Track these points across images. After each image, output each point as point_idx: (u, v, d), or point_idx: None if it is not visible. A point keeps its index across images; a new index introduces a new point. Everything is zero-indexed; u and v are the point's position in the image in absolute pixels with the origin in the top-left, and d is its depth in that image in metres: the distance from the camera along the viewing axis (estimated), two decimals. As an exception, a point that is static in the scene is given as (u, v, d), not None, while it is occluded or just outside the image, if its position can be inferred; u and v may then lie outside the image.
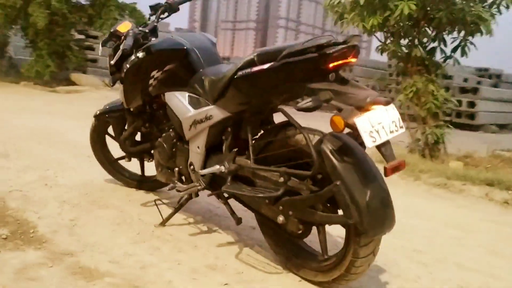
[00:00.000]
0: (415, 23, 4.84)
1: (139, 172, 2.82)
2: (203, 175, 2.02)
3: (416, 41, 4.91)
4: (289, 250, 1.90)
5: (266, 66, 1.61)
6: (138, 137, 2.66)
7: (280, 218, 1.73)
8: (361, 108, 1.46)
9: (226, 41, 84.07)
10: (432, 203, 3.38)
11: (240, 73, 1.71)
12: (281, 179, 1.68)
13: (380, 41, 5.13)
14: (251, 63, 1.68)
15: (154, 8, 2.43)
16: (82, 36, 13.98)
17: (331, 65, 1.48)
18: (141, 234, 2.13)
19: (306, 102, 1.49)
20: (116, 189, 2.82)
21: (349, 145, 1.57)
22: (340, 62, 1.49)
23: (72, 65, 11.87)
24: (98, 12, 11.34)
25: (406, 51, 4.98)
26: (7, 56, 14.11)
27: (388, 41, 5.06)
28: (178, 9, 2.52)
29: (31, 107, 6.36)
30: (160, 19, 2.42)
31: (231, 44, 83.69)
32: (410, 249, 2.30)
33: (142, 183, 2.85)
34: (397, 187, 3.77)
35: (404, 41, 5.01)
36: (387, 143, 1.48)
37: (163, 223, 2.24)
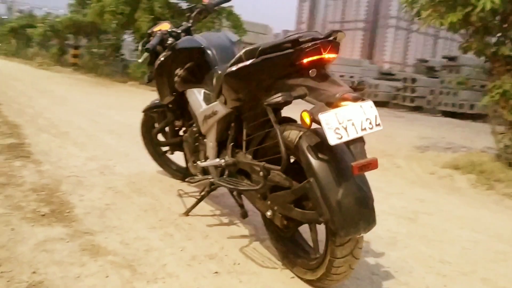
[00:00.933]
0: (503, 18, 4.40)
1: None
2: (203, 168, 2.12)
3: (504, 38, 4.46)
4: (287, 246, 1.89)
5: (248, 62, 1.64)
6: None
7: (268, 213, 1.75)
8: (331, 104, 1.43)
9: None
10: (495, 214, 3.06)
11: (229, 69, 1.76)
12: (261, 174, 1.69)
13: (463, 39, 4.75)
14: (239, 60, 1.71)
15: (190, 10, 2.57)
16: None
17: (305, 60, 1.47)
18: (162, 221, 2.26)
19: (276, 97, 1.49)
20: (163, 180, 3.02)
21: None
22: (314, 57, 1.47)
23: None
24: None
25: (493, 49, 4.54)
26: (120, 58, 15.65)
27: (472, 38, 4.65)
28: (213, 11, 2.63)
29: (131, 105, 6.97)
30: (195, 20, 2.55)
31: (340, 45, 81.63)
32: (437, 259, 2.13)
33: (186, 175, 3.00)
34: (464, 195, 3.49)
35: (490, 38, 4.58)
36: (358, 141, 1.42)
37: (186, 213, 2.36)
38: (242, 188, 1.82)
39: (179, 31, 2.46)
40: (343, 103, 1.42)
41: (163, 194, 2.71)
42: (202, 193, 2.35)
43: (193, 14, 2.57)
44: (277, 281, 1.76)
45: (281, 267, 1.87)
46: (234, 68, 1.73)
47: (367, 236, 1.99)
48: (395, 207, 2.94)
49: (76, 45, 18.35)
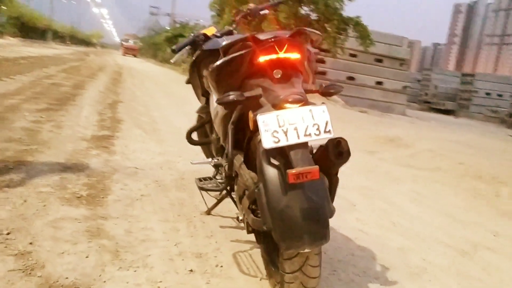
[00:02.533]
0: None
1: None
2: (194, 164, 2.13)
3: None
4: (270, 256, 1.79)
5: (218, 62, 1.61)
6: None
7: (240, 217, 1.69)
8: (276, 106, 1.33)
9: (490, 57, 74.91)
10: None
11: (211, 67, 1.74)
12: (223, 174, 1.64)
13: None
14: (220, 58, 1.69)
15: (237, 13, 2.61)
16: (316, 50, 15.06)
17: (261, 59, 1.41)
18: (180, 216, 2.33)
19: (227, 95, 1.44)
20: (212, 179, 3.10)
21: (299, 148, 1.42)
22: (270, 56, 1.39)
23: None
24: (323, 26, 11.93)
25: None
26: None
27: None
28: (258, 15, 2.62)
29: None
30: (239, 24, 2.57)
31: (495, 60, 74.19)
32: None
33: None
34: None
35: None
36: (300, 146, 1.30)
37: (207, 212, 2.39)
38: (205, 187, 1.79)
39: (218, 35, 2.51)
40: (288, 105, 1.32)
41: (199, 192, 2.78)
42: (221, 195, 2.35)
43: (237, 18, 2.60)
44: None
45: (262, 277, 1.78)
46: (213, 65, 1.71)
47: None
48: None
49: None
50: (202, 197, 2.43)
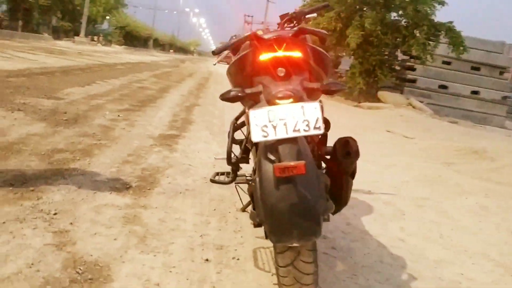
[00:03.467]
0: None
1: None
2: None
3: None
4: None
5: (232, 61, 1.67)
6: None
7: (248, 210, 1.73)
8: (269, 101, 1.37)
9: None
10: None
11: (228, 66, 1.80)
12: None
13: None
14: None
15: (282, 18, 2.65)
16: (406, 57, 14.51)
17: (261, 58, 1.45)
18: (216, 211, 2.43)
19: (228, 91, 1.50)
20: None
21: (292, 144, 1.44)
22: (269, 54, 1.43)
23: (381, 83, 12.45)
24: (411, 32, 11.48)
25: None
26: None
27: None
28: (303, 19, 2.64)
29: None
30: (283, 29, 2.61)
31: None
32: None
33: None
34: None
35: None
36: (288, 142, 1.32)
37: (243, 209, 2.46)
38: (216, 180, 1.85)
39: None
40: (279, 101, 1.34)
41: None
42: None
43: (282, 22, 2.63)
44: (255, 282, 1.72)
45: (274, 273, 1.80)
46: (229, 65, 1.78)
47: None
48: None
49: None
50: (238, 194, 2.49)
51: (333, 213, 2.05)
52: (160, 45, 56.54)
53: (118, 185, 2.61)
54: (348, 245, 2.25)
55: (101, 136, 3.73)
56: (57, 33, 29.68)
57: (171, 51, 54.06)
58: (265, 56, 1.46)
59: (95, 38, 33.56)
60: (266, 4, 42.78)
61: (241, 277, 1.76)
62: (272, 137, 1.32)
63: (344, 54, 13.78)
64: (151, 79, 10.46)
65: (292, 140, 1.33)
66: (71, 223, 2.00)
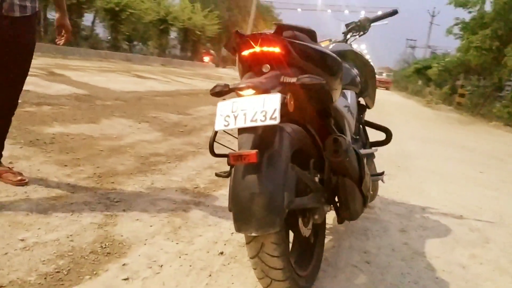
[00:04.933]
0: None
1: None
2: None
3: None
4: None
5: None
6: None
7: None
8: (236, 94, 1.42)
9: None
10: None
11: None
12: None
13: None
14: None
15: (347, 26, 2.61)
16: None
17: (242, 53, 1.51)
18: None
19: (214, 86, 1.57)
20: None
21: (267, 136, 1.46)
22: (249, 51, 1.48)
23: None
24: None
25: None
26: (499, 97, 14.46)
27: None
28: (367, 29, 2.56)
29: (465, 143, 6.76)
30: (347, 37, 2.56)
31: None
32: None
33: None
34: None
35: None
36: (247, 131, 1.35)
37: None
38: (218, 174, 1.88)
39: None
40: (243, 93, 1.38)
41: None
42: None
43: (346, 31, 2.59)
44: (253, 278, 1.73)
45: None
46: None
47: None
48: None
49: (462, 85, 18.25)
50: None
51: (340, 222, 1.94)
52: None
53: (188, 185, 2.84)
54: (388, 262, 2.07)
55: (203, 145, 4.07)
56: (224, 62, 32.74)
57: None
58: (245, 53, 1.50)
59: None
60: (429, 27, 40.54)
61: (244, 272, 1.78)
62: (232, 126, 1.36)
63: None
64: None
65: (251, 130, 1.35)
66: (123, 210, 2.28)
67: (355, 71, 2.27)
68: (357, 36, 2.63)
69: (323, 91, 1.70)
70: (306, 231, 1.66)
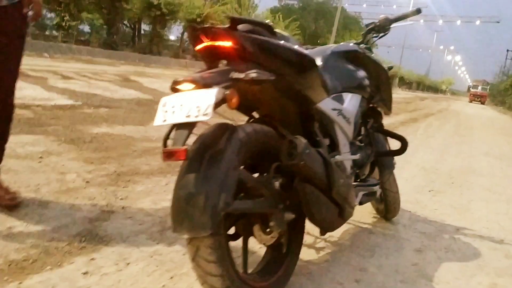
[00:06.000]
0: None
1: None
2: None
3: None
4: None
5: None
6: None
7: None
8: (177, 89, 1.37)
9: None
10: None
11: None
12: None
13: None
14: None
15: (367, 27, 2.44)
16: None
17: (195, 48, 1.45)
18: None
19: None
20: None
21: (216, 135, 1.40)
22: (201, 45, 1.42)
23: None
24: None
25: None
26: None
27: None
28: (388, 29, 2.38)
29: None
30: (366, 39, 2.39)
31: None
32: None
33: None
34: None
35: None
36: (182, 127, 1.28)
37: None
38: None
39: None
40: (181, 87, 1.33)
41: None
42: None
43: (365, 32, 2.42)
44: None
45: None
46: None
47: None
48: None
49: None
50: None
51: (322, 233, 1.77)
52: (407, 83, 55.47)
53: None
54: (383, 283, 1.87)
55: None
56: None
57: (402, 88, 52.20)
58: (199, 47, 1.45)
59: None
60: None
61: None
62: (168, 121, 1.31)
63: None
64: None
65: (186, 126, 1.29)
66: (123, 207, 2.31)
67: (361, 73, 2.10)
68: (377, 38, 2.44)
69: (292, 91, 1.58)
70: (266, 239, 1.55)
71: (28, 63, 8.54)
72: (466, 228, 2.79)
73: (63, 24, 12.49)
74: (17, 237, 1.83)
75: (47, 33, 17.98)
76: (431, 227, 2.73)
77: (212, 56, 1.46)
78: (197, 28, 1.42)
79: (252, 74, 1.35)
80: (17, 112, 4.18)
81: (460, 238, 2.58)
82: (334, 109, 1.83)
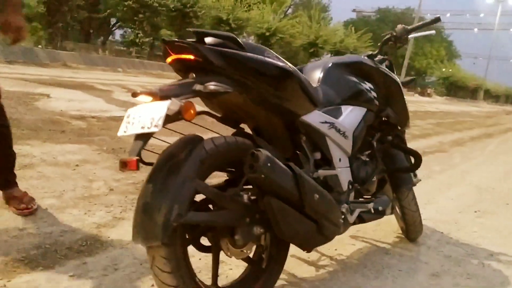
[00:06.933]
0: None
1: None
2: None
3: None
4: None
5: None
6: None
7: None
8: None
9: None
10: None
11: None
12: None
13: None
14: None
15: (383, 37, 2.34)
16: None
17: (166, 60, 1.49)
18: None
19: None
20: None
21: (180, 147, 1.42)
22: (169, 59, 1.45)
23: None
24: None
25: None
26: None
27: None
28: (405, 40, 2.26)
29: None
30: (382, 50, 2.29)
31: None
32: None
33: None
34: None
35: None
36: (138, 137, 1.31)
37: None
38: None
39: None
40: (141, 99, 1.36)
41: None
42: None
43: (381, 43, 2.32)
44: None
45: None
46: None
47: None
48: None
49: None
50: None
51: (308, 251, 1.72)
52: (493, 96, 51.86)
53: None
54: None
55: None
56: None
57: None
58: (168, 60, 1.47)
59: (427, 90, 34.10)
60: None
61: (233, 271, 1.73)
62: (128, 133, 1.34)
63: None
64: (427, 126, 9.99)
65: (142, 136, 1.31)
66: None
67: (365, 85, 2.01)
68: (396, 49, 2.33)
69: (269, 103, 1.56)
70: (236, 253, 1.52)
71: (100, 77, 9.20)
72: (503, 253, 2.53)
73: (137, 40, 13.30)
74: (25, 238, 1.96)
75: (123, 48, 19.18)
76: (460, 250, 2.51)
77: (183, 69, 1.48)
78: (165, 41, 1.45)
79: (211, 86, 1.35)
80: (72, 122, 4.58)
81: (491, 265, 2.35)
82: (325, 122, 1.76)
